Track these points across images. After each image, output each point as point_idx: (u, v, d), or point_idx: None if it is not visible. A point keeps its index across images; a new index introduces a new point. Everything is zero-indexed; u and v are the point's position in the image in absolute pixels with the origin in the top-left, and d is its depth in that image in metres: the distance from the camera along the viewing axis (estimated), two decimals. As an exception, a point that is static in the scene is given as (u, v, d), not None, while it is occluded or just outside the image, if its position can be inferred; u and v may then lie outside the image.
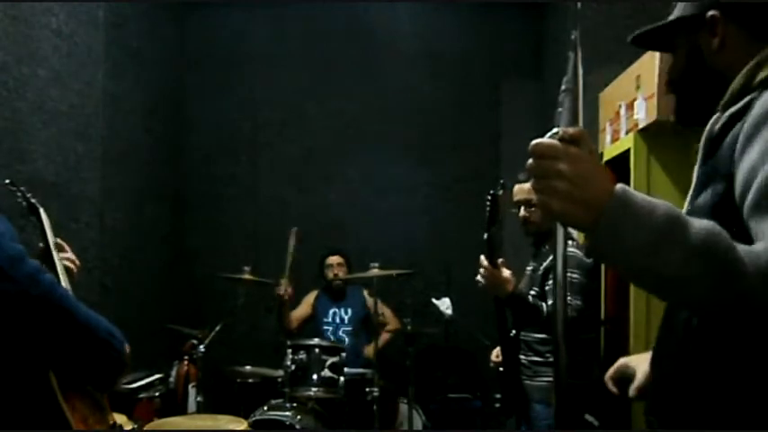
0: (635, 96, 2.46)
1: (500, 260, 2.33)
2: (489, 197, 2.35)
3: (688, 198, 1.13)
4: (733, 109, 1.03)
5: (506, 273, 2.33)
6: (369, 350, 4.13)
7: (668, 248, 0.84)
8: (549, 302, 2.36)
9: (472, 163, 5.11)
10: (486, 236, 2.33)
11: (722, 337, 0.99)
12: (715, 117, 1.08)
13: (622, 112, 2.62)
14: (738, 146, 0.97)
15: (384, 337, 4.06)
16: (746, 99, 1.01)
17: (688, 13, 1.15)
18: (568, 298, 2.36)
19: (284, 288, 3.88)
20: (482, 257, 2.33)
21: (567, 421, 0.93)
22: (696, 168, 1.12)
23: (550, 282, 2.42)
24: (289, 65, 5.20)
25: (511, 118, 5.07)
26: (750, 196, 0.92)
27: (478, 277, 2.37)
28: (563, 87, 0.95)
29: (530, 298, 2.40)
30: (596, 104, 3.07)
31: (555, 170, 0.86)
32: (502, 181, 2.58)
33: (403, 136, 5.14)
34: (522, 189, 2.68)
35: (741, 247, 0.86)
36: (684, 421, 1.04)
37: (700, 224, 0.86)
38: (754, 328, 0.92)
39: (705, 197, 1.05)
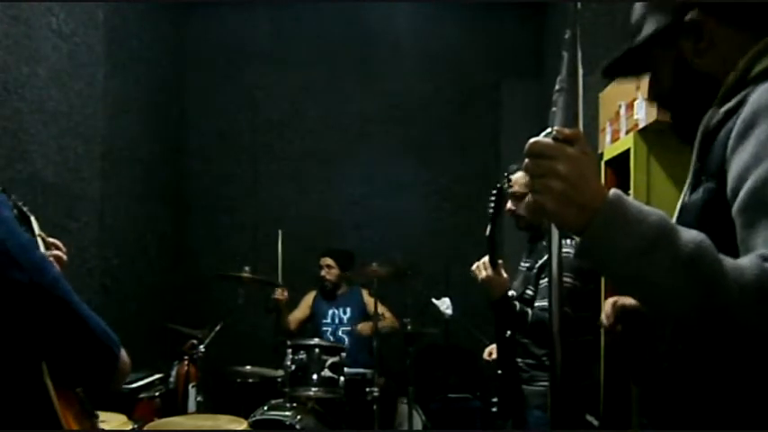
0: (635, 96, 2.45)
1: (500, 261, 2.27)
2: (495, 190, 2.26)
3: (682, 195, 1.11)
4: (728, 105, 1.00)
5: (504, 276, 2.27)
6: (363, 327, 4.10)
7: (655, 257, 0.83)
8: (537, 304, 2.30)
9: (472, 163, 5.12)
10: (488, 231, 2.24)
11: (709, 352, 0.97)
12: (710, 112, 1.05)
13: (622, 112, 2.62)
14: (731, 143, 0.94)
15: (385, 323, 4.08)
16: (742, 94, 0.98)
17: (661, 25, 1.08)
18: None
19: (281, 292, 4.05)
20: (485, 258, 2.26)
21: (564, 423, 0.93)
22: (691, 165, 1.09)
23: (544, 280, 2.36)
24: (289, 65, 5.20)
25: (511, 118, 5.07)
26: (740, 199, 0.90)
27: (473, 268, 2.31)
28: (557, 87, 0.95)
29: (517, 305, 2.33)
30: (596, 104, 3.06)
31: (551, 170, 0.86)
32: (507, 174, 2.52)
33: (403, 136, 5.14)
34: (518, 180, 2.56)
35: (728, 262, 0.84)
36: (674, 423, 1.03)
37: (689, 236, 0.85)
38: (740, 342, 0.90)
39: (697, 195, 1.03)
